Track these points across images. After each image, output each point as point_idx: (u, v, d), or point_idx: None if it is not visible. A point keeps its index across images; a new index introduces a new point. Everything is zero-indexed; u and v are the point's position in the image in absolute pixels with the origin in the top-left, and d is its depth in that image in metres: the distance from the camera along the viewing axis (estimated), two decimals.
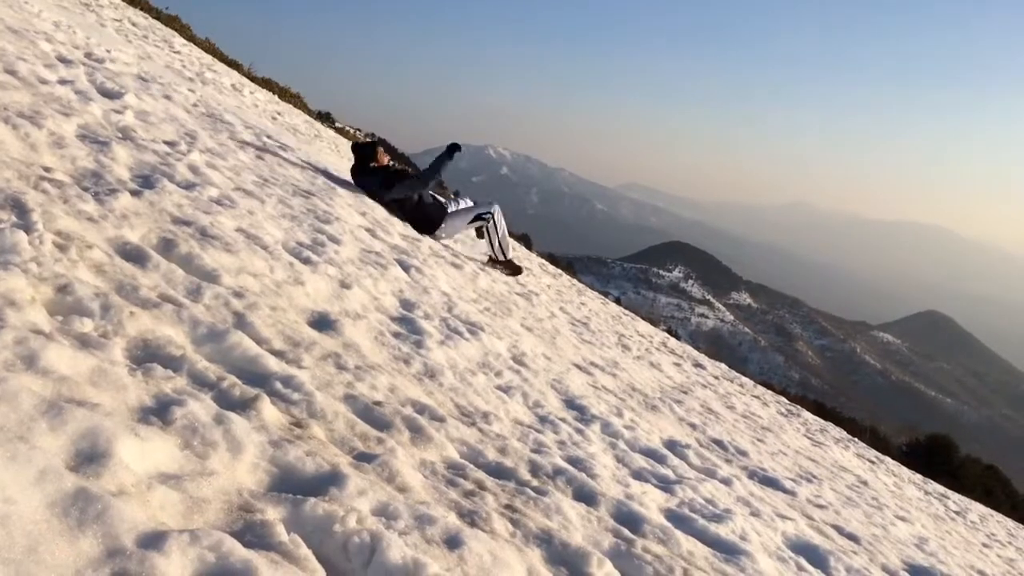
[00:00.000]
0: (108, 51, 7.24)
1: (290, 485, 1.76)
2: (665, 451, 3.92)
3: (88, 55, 6.48)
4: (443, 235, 7.32)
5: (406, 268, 4.89)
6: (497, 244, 7.54)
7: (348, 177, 7.56)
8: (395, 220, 6.86)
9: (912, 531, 5.19)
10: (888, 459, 11.77)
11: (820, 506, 4.50)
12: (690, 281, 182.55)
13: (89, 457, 1.44)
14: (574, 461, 2.98)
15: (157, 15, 16.52)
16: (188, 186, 3.93)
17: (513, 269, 7.78)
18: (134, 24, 12.02)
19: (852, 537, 4.03)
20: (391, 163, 7.67)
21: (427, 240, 6.73)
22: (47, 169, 3.12)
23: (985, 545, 6.65)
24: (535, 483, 2.52)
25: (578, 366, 5.24)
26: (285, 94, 18.34)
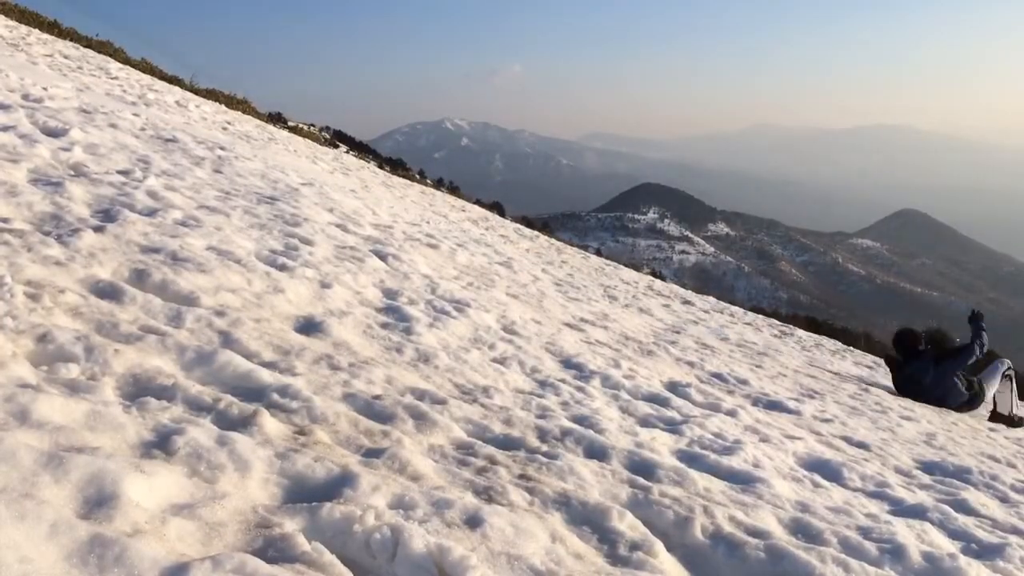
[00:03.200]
0: (45, 89, 7.10)
1: (303, 494, 1.76)
2: (668, 393, 3.96)
3: (25, 96, 6.36)
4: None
5: (383, 257, 4.87)
6: (1015, 400, 7.46)
7: (310, 173, 7.48)
8: (365, 211, 6.81)
9: (919, 429, 5.27)
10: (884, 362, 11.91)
11: (826, 420, 4.57)
12: (666, 220, 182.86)
13: (98, 502, 1.43)
14: (580, 419, 3.00)
15: (88, 43, 16.19)
16: (150, 213, 3.88)
17: (1015, 423, 7.47)
18: (66, 57, 11.79)
19: (862, 445, 4.09)
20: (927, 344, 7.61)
21: (400, 226, 6.70)
22: (4, 219, 3.08)
23: (992, 429, 6.76)
24: (545, 448, 2.54)
25: (569, 325, 5.25)
26: (232, 102, 18.07)
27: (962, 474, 3.95)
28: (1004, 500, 3.63)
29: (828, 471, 3.34)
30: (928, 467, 4.02)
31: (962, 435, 5.74)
